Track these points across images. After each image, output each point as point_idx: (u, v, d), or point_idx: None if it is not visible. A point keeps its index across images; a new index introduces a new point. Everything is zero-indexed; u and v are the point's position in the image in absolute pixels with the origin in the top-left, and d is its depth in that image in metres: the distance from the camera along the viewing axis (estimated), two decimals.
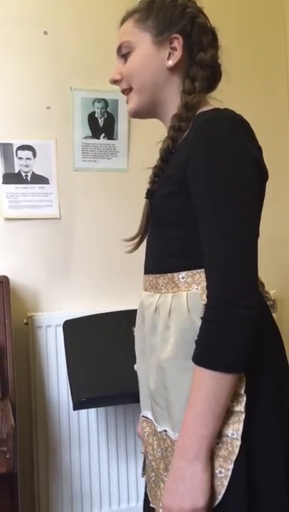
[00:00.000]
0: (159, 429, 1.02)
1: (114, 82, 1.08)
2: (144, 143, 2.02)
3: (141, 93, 1.05)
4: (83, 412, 1.97)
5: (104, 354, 1.79)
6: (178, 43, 1.01)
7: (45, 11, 2.05)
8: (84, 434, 2.00)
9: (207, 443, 0.88)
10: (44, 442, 1.96)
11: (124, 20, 1.07)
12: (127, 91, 1.08)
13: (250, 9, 2.30)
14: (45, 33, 2.05)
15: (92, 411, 1.99)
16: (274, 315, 2.41)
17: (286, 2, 2.36)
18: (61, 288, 2.08)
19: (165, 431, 1.00)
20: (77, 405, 1.67)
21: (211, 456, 0.89)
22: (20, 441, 1.90)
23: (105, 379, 1.70)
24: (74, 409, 1.69)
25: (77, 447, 1.99)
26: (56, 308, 2.05)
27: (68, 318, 1.93)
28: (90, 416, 2.00)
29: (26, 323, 1.97)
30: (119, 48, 1.07)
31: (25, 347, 1.97)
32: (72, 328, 1.91)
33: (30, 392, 1.97)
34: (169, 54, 1.02)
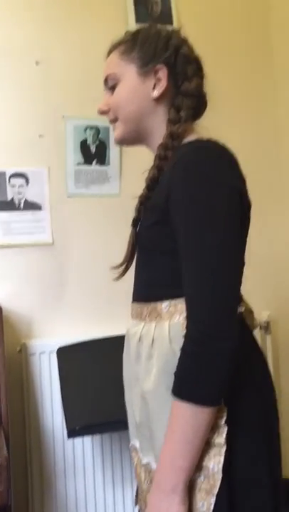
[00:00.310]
0: (144, 460, 1.01)
1: (102, 113, 1.10)
2: (136, 168, 2.02)
3: (127, 123, 1.06)
4: (78, 439, 1.94)
5: (99, 380, 1.77)
6: (163, 74, 1.03)
7: (37, 42, 2.09)
8: (79, 462, 1.96)
9: (185, 476, 0.86)
10: (39, 472, 1.92)
11: (110, 52, 1.09)
12: (113, 121, 1.09)
13: (237, 38, 2.36)
14: (37, 63, 2.08)
15: (87, 438, 1.96)
16: (268, 337, 2.43)
17: (273, 30, 2.42)
18: (55, 314, 2.07)
19: (149, 463, 0.99)
20: (71, 433, 1.64)
21: (191, 488, 0.88)
22: (15, 471, 1.86)
23: (99, 406, 1.68)
24: (68, 438, 1.67)
25: (72, 476, 1.95)
26: (50, 335, 2.04)
27: (62, 345, 1.92)
28: (85, 443, 1.97)
29: (20, 351, 1.95)
30: (106, 80, 1.08)
31: (18, 374, 1.95)
32: (66, 354, 1.89)
33: (24, 421, 1.94)
34: (154, 84, 1.03)
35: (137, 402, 1.02)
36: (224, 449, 0.88)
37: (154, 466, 0.97)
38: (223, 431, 0.88)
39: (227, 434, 0.88)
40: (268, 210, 2.33)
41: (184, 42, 1.06)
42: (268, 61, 2.42)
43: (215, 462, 0.88)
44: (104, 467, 1.99)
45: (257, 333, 2.16)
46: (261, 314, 2.25)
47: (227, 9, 2.35)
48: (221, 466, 0.88)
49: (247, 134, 2.32)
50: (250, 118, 2.37)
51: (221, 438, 0.88)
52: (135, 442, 1.08)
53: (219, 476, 0.87)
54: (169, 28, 1.09)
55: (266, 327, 2.27)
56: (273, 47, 2.42)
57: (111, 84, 1.07)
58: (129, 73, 1.04)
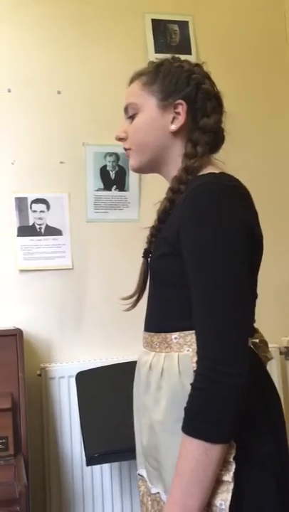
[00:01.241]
0: (153, 490, 1.00)
1: (120, 139, 1.11)
2: (155, 194, 2.04)
3: (142, 153, 1.08)
4: (97, 466, 1.92)
5: (118, 406, 1.76)
6: (182, 109, 1.03)
7: (59, 72, 2.15)
8: (98, 489, 1.94)
9: None
10: (57, 499, 1.91)
11: (131, 81, 1.10)
12: (128, 150, 1.11)
13: (255, 67, 2.39)
14: (59, 92, 2.14)
15: (106, 465, 1.94)
16: (288, 363, 2.38)
17: None
18: (74, 338, 2.08)
19: (158, 493, 0.98)
20: (91, 461, 1.63)
21: None
22: (33, 497, 1.85)
23: (119, 432, 1.66)
24: (87, 465, 1.66)
25: (90, 503, 1.93)
26: (69, 359, 2.05)
27: (81, 369, 1.92)
28: (104, 470, 1.95)
29: (39, 375, 1.96)
30: (126, 109, 1.10)
31: (38, 399, 1.95)
32: (85, 379, 1.89)
33: (43, 447, 1.94)
34: (173, 118, 1.04)
35: (145, 431, 1.01)
36: (232, 486, 0.87)
37: (163, 496, 0.96)
38: (231, 468, 0.87)
39: (235, 471, 0.87)
40: (284, 236, 2.33)
41: (205, 77, 1.07)
42: (286, 91, 2.44)
43: (222, 499, 0.87)
44: (122, 494, 1.96)
45: (277, 359, 2.13)
46: (281, 340, 2.22)
47: (245, 39, 2.39)
48: (228, 503, 0.86)
49: (264, 163, 2.34)
50: (268, 147, 2.38)
51: (228, 475, 0.87)
52: (142, 471, 1.07)
53: None
54: (190, 61, 1.10)
55: (286, 352, 2.24)
56: None
57: (131, 114, 1.09)
58: (149, 105, 1.05)
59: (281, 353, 2.20)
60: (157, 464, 0.97)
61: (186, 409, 0.87)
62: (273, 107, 2.41)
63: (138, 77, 1.09)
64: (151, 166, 1.09)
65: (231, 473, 0.87)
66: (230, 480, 0.87)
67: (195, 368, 0.91)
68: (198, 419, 0.85)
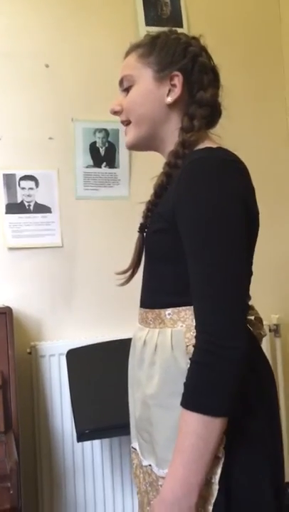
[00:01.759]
0: (144, 463, 1.02)
1: (115, 113, 1.09)
2: (146, 171, 2.01)
3: (139, 127, 1.06)
4: (87, 442, 1.94)
5: (109, 383, 1.77)
6: (178, 81, 1.02)
7: (46, 45, 2.09)
8: (88, 465, 1.96)
9: (198, 489, 0.86)
10: (48, 475, 1.92)
11: (127, 54, 1.08)
12: (125, 123, 1.09)
13: (248, 39, 2.35)
14: (47, 66, 2.09)
15: (97, 441, 1.96)
16: (278, 340, 2.41)
17: (285, 31, 2.41)
18: (64, 316, 2.07)
19: (150, 465, 0.99)
20: (81, 437, 1.64)
21: None
22: (24, 474, 1.86)
23: (109, 409, 1.67)
24: (78, 441, 1.67)
25: (81, 479, 1.95)
26: (59, 337, 2.04)
27: (72, 347, 1.92)
28: (95, 446, 1.97)
29: (30, 353, 1.96)
30: (122, 81, 1.08)
31: (28, 377, 1.96)
32: (76, 357, 1.89)
33: (33, 424, 1.95)
34: (169, 91, 1.03)
35: (138, 405, 1.02)
36: (222, 460, 0.88)
37: (155, 469, 0.97)
38: (222, 442, 0.88)
39: (226, 445, 0.88)
40: (278, 215, 2.33)
41: (202, 50, 1.06)
42: (279, 62, 2.41)
43: (212, 473, 0.88)
44: (113, 470, 1.99)
45: (266, 337, 2.15)
46: (270, 317, 2.24)
47: (238, 13, 2.34)
48: (218, 477, 0.88)
49: (259, 140, 2.32)
50: (262, 123, 2.36)
51: (219, 449, 0.87)
52: (135, 444, 1.09)
53: (216, 487, 0.88)
54: (187, 34, 1.08)
55: (276, 330, 2.26)
56: (284, 49, 2.42)
57: (126, 86, 1.07)
58: (144, 76, 1.04)
59: (270, 330, 2.22)
60: (149, 437, 0.98)
61: (185, 383, 0.88)
62: (264, 82, 2.38)
63: (134, 50, 1.07)
64: (147, 142, 1.08)
65: (221, 448, 0.88)
66: (220, 455, 0.88)
67: (188, 344, 0.91)
68: (198, 393, 0.86)
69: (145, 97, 1.04)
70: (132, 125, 1.07)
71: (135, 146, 1.10)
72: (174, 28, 1.09)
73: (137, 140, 1.07)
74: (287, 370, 2.29)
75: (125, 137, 1.10)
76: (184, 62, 1.02)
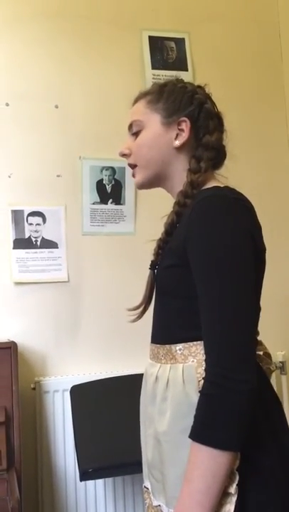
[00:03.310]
0: (155, 503, 1.01)
1: (124, 155, 1.15)
2: (151, 207, 2.08)
3: (147, 169, 1.11)
4: (91, 481, 1.90)
5: (113, 420, 1.75)
6: (185, 126, 1.08)
7: (57, 86, 2.17)
8: (91, 504, 1.92)
9: None
10: None
11: (136, 100, 1.15)
12: (132, 166, 1.14)
13: (251, 82, 2.42)
14: (56, 106, 2.16)
15: (100, 480, 1.92)
16: (284, 377, 2.38)
17: (286, 76, 2.49)
18: (69, 352, 2.07)
19: (160, 505, 0.99)
20: (84, 476, 1.61)
21: None
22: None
23: (113, 447, 1.65)
24: (81, 480, 1.64)
25: None
26: (64, 373, 2.04)
27: (76, 383, 1.91)
28: (98, 485, 1.93)
29: (34, 388, 1.95)
30: (131, 126, 1.14)
31: (32, 412, 1.94)
32: (80, 393, 1.88)
33: (36, 461, 1.92)
34: (177, 135, 1.08)
35: (150, 442, 1.02)
36: (235, 497, 0.87)
37: (165, 509, 0.96)
38: (235, 479, 0.88)
39: (239, 482, 0.88)
40: (283, 251, 2.34)
41: (207, 98, 1.12)
42: (281, 105, 2.48)
43: (226, 510, 0.87)
44: (116, 509, 1.94)
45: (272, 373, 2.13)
46: (276, 354, 2.23)
47: (241, 56, 2.42)
48: None
49: (263, 177, 2.36)
50: (265, 162, 2.41)
51: (232, 486, 0.88)
52: (147, 484, 1.08)
53: None
54: (193, 83, 1.15)
55: (282, 367, 2.24)
56: (286, 92, 2.48)
57: (135, 130, 1.12)
58: (153, 121, 1.10)
59: (276, 367, 2.20)
60: (161, 475, 0.98)
61: (195, 416, 0.89)
62: (269, 121, 2.44)
63: (143, 97, 1.13)
64: (156, 181, 1.13)
65: (234, 485, 0.88)
66: (233, 492, 0.87)
67: (199, 379, 0.92)
68: (207, 426, 0.86)
69: (154, 140, 1.09)
70: (140, 168, 1.12)
71: (144, 186, 1.15)
72: (180, 78, 1.16)
73: (146, 180, 1.13)
74: None
75: (134, 179, 1.15)
76: (190, 108, 1.08)
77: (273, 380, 2.14)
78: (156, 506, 1.00)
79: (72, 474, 1.90)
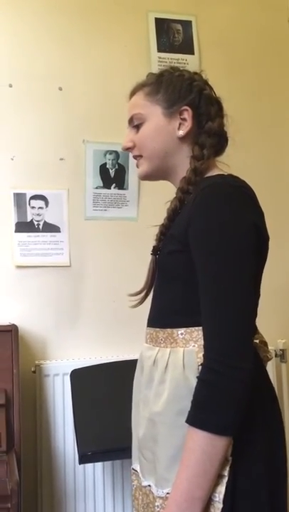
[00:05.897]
0: (144, 483, 1.03)
1: (127, 149, 1.14)
2: (154, 193, 2.06)
3: (151, 160, 1.11)
4: (89, 464, 1.92)
5: (112, 404, 1.76)
6: (188, 115, 1.07)
7: (60, 68, 2.14)
8: (90, 487, 1.94)
9: (202, 505, 0.88)
10: (49, 496, 1.90)
11: (133, 93, 1.14)
12: (137, 157, 1.14)
13: (257, 66, 2.38)
14: (60, 88, 2.14)
15: (99, 464, 1.94)
16: (283, 365, 2.39)
17: None
18: (70, 336, 2.08)
19: (149, 485, 1.00)
20: (83, 459, 1.62)
21: None
22: (25, 494, 1.84)
23: (112, 431, 1.66)
24: (80, 464, 1.65)
25: (82, 501, 1.93)
26: (64, 357, 2.04)
27: (76, 367, 1.91)
28: (96, 468, 1.95)
29: (34, 372, 1.96)
30: (131, 119, 1.13)
31: (32, 396, 1.95)
32: (80, 377, 1.89)
33: (35, 444, 1.93)
34: (180, 124, 1.08)
35: (143, 423, 1.03)
36: (225, 479, 0.90)
37: (154, 489, 0.98)
38: (227, 463, 0.90)
39: (231, 466, 0.90)
40: (285, 239, 2.33)
41: (205, 84, 1.12)
42: (287, 90, 2.44)
43: (216, 492, 0.90)
44: (114, 492, 1.96)
45: (272, 361, 2.13)
46: (277, 342, 2.23)
47: (248, 40, 2.38)
48: (222, 496, 0.90)
49: (266, 165, 2.34)
50: (269, 149, 2.38)
51: (225, 469, 0.90)
52: (136, 466, 1.09)
53: (220, 506, 0.89)
54: (189, 70, 1.14)
55: (282, 355, 2.24)
56: None
57: (136, 123, 1.11)
58: (154, 114, 1.09)
59: (277, 355, 2.20)
60: (152, 455, 0.99)
61: (192, 401, 0.90)
62: (275, 107, 2.41)
63: (140, 89, 1.12)
64: (160, 172, 1.12)
65: (227, 468, 0.90)
66: (225, 474, 0.90)
67: (199, 363, 0.93)
68: (204, 411, 0.88)
69: (157, 132, 1.09)
70: (145, 159, 1.12)
71: (148, 177, 1.15)
72: (175, 66, 1.16)
73: (150, 171, 1.12)
74: None
75: (137, 169, 1.15)
76: (191, 97, 1.08)
77: (273, 368, 2.15)
78: (146, 487, 1.02)
79: (72, 457, 1.91)
